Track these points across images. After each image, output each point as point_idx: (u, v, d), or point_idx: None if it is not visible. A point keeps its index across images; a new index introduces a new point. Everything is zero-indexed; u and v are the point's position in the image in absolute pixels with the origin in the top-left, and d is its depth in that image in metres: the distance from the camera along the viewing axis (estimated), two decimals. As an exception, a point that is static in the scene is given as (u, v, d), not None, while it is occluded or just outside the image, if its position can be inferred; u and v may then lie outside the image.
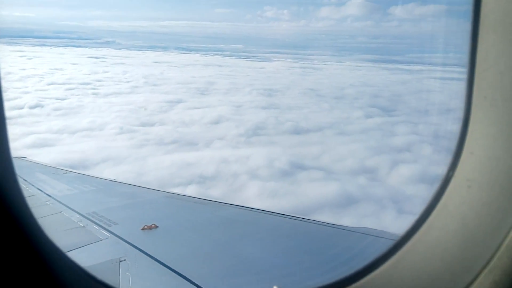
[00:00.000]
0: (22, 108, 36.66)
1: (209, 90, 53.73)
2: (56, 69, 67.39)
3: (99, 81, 55.71)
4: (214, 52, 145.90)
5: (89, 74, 62.07)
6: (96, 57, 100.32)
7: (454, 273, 1.30)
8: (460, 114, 1.31)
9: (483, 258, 1.24)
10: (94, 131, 30.43)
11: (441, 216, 1.35)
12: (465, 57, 1.26)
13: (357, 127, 35.00)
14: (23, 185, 6.49)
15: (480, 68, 1.23)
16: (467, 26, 1.23)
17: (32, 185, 7.27)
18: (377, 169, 23.46)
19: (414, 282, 1.40)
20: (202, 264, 3.82)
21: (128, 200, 6.55)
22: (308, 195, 18.61)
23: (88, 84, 52.71)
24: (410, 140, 29.80)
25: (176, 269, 3.47)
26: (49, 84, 51.09)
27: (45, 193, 6.68)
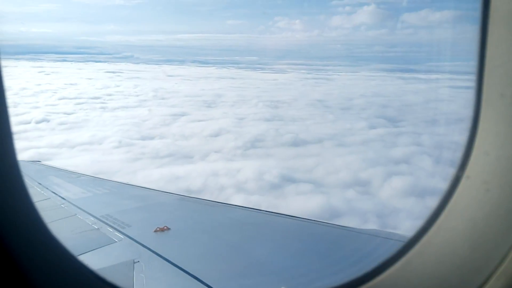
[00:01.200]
0: (29, 123, 37.55)
1: (216, 102, 54.05)
2: (71, 84, 69.14)
3: (109, 95, 56.79)
4: (230, 65, 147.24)
5: (101, 89, 63.34)
6: (112, 72, 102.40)
7: (464, 276, 1.28)
8: (470, 112, 1.29)
9: (493, 260, 1.22)
10: (93, 145, 30.88)
11: (451, 217, 1.33)
12: (475, 54, 1.23)
13: (358, 138, 34.49)
14: (38, 189, 7.43)
15: (490, 64, 1.20)
16: (477, 23, 1.22)
17: (47, 188, 7.48)
18: (369, 182, 22.99)
19: (423, 285, 1.38)
20: (214, 265, 3.87)
21: (140, 203, 6.68)
22: (290, 209, 18.32)
23: (98, 98, 53.76)
24: (410, 151, 29.18)
25: (188, 270, 3.54)
26: (60, 99, 52.34)
27: (59, 196, 6.87)
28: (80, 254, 4.03)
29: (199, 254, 4.20)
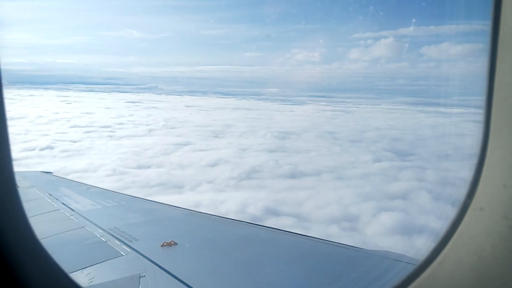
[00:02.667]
0: (33, 149, 38.11)
1: (224, 133, 53.90)
2: (87, 113, 70.64)
3: (120, 124, 57.60)
4: (250, 96, 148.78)
5: (115, 118, 64.43)
6: (133, 102, 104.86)
7: None
8: (478, 140, 1.28)
9: None
10: (87, 172, 30.78)
11: (456, 248, 1.30)
12: (483, 82, 1.23)
13: (359, 171, 33.29)
14: (48, 199, 7.69)
15: (498, 95, 1.19)
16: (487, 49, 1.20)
17: (57, 199, 7.64)
18: (357, 218, 21.79)
19: None
20: (219, 282, 3.83)
21: (148, 217, 6.72)
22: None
23: (108, 127, 54.53)
24: (410, 187, 27.82)
25: (193, 286, 3.52)
26: (71, 127, 53.35)
27: (69, 207, 6.99)
28: (87, 267, 4.11)
29: (206, 270, 4.15)
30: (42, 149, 38.36)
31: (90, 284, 3.75)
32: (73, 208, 6.92)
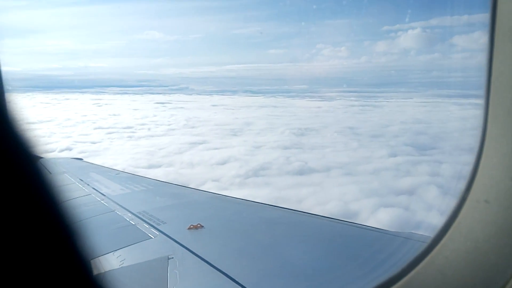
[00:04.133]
0: (53, 151, 39.39)
1: (243, 131, 53.79)
2: (114, 115, 72.45)
3: (142, 124, 58.65)
4: (279, 94, 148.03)
5: (139, 119, 65.71)
6: (161, 103, 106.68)
7: None
8: (478, 132, 1.30)
9: (495, 284, 1.21)
10: (98, 172, 31.49)
11: (454, 238, 1.34)
12: (484, 71, 1.24)
13: (371, 167, 32.29)
14: (80, 185, 8.01)
15: (496, 83, 1.20)
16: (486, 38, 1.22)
17: (88, 184, 7.99)
18: (356, 214, 21.12)
19: None
20: (245, 264, 3.88)
21: (175, 200, 6.89)
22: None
23: (130, 128, 55.63)
24: (420, 181, 26.73)
25: (220, 268, 3.60)
26: (95, 129, 54.80)
27: (100, 192, 7.27)
28: (118, 249, 4.29)
29: (231, 253, 4.23)
30: (61, 151, 39.57)
31: (121, 265, 3.87)
32: (104, 193, 7.15)
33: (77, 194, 7.19)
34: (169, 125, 58.96)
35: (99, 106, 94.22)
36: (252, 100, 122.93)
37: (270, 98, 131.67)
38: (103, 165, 12.59)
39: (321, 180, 28.72)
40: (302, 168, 32.03)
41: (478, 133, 1.30)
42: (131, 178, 9.36)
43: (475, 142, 1.31)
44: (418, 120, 64.33)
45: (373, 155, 36.89)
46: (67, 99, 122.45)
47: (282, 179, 29.46)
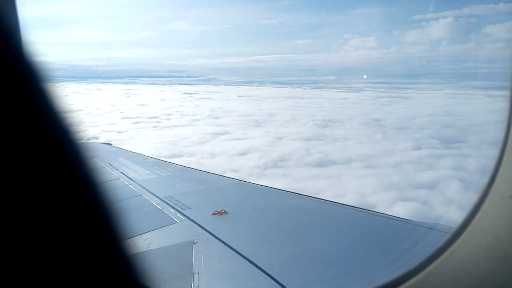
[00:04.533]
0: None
1: (266, 121, 53.75)
2: (142, 105, 73.77)
3: (168, 115, 59.45)
4: (307, 85, 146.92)
5: (165, 109, 66.63)
6: (189, 93, 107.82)
7: None
8: (503, 126, 1.30)
9: None
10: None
11: (475, 232, 1.34)
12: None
13: (393, 159, 31.67)
14: (109, 169, 8.16)
15: None
16: None
17: (117, 169, 8.19)
18: (370, 207, 20.83)
19: None
20: (269, 250, 3.95)
21: (201, 186, 7.01)
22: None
23: (156, 117, 56.52)
24: (443, 175, 26.06)
25: (243, 254, 3.69)
26: (122, 118, 55.98)
27: (128, 176, 7.48)
28: (145, 232, 4.41)
29: (255, 239, 4.30)
30: (88, 140, 40.60)
31: (148, 249, 3.99)
32: (131, 177, 7.33)
33: (107, 178, 7.31)
34: (194, 115, 59.59)
35: (128, 96, 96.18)
36: (279, 91, 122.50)
37: (297, 89, 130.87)
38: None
39: (340, 172, 28.42)
40: (322, 160, 31.77)
41: (503, 126, 1.29)
42: (158, 163, 9.51)
43: (500, 136, 1.29)
44: (448, 112, 62.58)
45: (397, 148, 36.16)
46: (99, 89, 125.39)
47: (301, 170, 29.34)
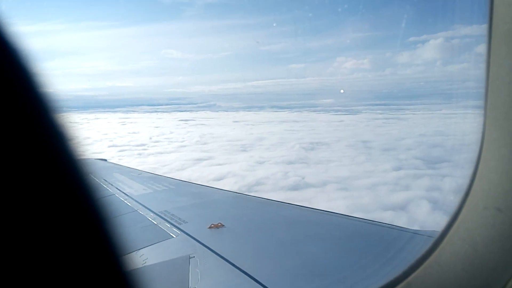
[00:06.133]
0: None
1: (253, 146, 53.51)
2: (133, 133, 73.99)
3: (156, 142, 59.48)
4: (305, 109, 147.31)
5: (155, 136, 66.74)
6: (185, 120, 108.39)
7: None
8: (478, 137, 1.32)
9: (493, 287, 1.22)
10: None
11: (453, 241, 1.35)
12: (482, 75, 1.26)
13: (370, 181, 31.14)
14: (104, 185, 8.04)
15: (493, 86, 1.21)
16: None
17: (112, 184, 8.15)
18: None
19: None
20: (266, 263, 3.89)
21: (196, 200, 6.93)
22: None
23: (143, 145, 56.53)
24: (414, 196, 25.49)
25: (241, 267, 3.62)
26: (109, 146, 56.03)
27: (123, 192, 7.45)
28: (141, 248, 4.34)
29: (252, 252, 4.22)
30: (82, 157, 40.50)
31: (144, 264, 3.91)
32: (127, 193, 7.27)
33: (101, 194, 7.09)
34: (182, 141, 59.53)
35: (123, 124, 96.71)
36: (276, 115, 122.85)
37: (295, 113, 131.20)
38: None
39: (313, 195, 27.94)
40: (298, 184, 31.31)
41: (477, 137, 1.28)
42: (153, 178, 9.52)
43: (475, 147, 1.30)
44: (439, 132, 62.19)
45: (377, 169, 35.66)
46: (97, 118, 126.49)
47: (274, 194, 28.79)
